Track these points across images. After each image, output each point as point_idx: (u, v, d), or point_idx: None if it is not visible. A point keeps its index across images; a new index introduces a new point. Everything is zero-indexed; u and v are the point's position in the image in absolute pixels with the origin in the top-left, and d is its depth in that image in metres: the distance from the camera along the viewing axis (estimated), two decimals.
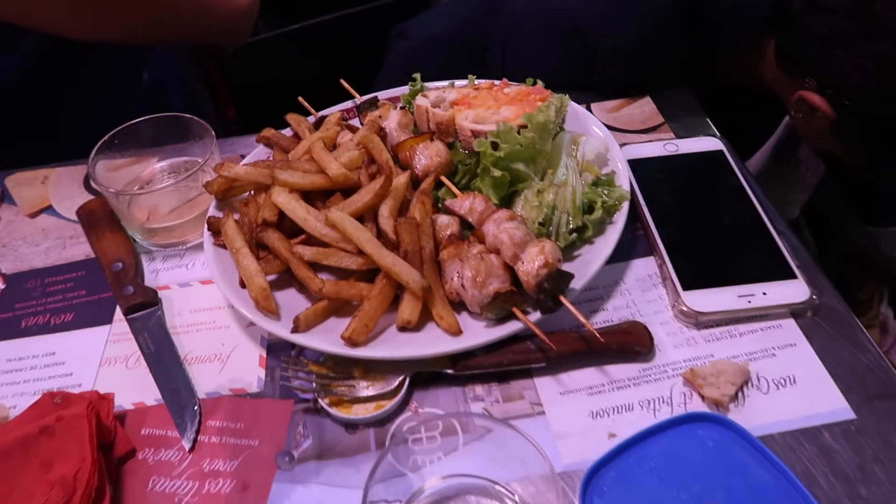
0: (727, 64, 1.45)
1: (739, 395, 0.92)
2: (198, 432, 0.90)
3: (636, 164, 1.19)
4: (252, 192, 1.13)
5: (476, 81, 1.26)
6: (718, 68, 1.47)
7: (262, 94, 1.56)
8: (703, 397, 0.91)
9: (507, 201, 1.08)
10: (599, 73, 1.39)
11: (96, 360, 1.03)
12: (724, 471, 0.82)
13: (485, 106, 1.17)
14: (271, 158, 1.21)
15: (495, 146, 1.05)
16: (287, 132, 1.28)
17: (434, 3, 2.20)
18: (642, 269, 1.08)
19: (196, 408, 0.93)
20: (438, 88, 1.24)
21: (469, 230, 1.06)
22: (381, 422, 0.90)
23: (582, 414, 0.91)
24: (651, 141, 1.25)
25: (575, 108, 1.21)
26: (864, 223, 1.73)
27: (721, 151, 1.21)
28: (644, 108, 1.37)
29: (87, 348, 1.04)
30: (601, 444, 0.87)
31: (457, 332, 0.94)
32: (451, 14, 1.78)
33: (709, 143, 1.23)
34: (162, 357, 1.01)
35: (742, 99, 1.58)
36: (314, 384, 0.91)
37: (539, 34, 1.47)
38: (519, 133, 1.05)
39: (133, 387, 0.97)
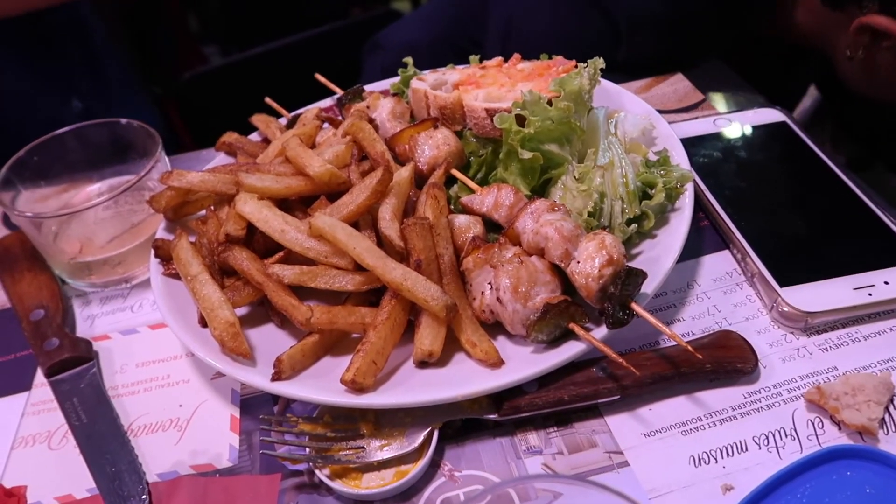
0: (759, 16, 1.24)
1: (886, 416, 0.68)
2: None
3: (685, 144, 0.96)
4: (212, 206, 0.89)
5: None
6: (751, 20, 1.25)
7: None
8: (839, 424, 0.68)
9: (538, 193, 0.86)
10: (628, 48, 1.19)
11: (7, 442, 0.79)
12: None
13: (497, 84, 0.95)
14: None
15: (521, 121, 0.82)
16: (254, 137, 1.04)
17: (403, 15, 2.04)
18: (717, 266, 0.86)
19: (144, 497, 0.69)
20: (437, 71, 1.02)
21: (496, 232, 0.82)
22: (405, 495, 0.69)
23: (680, 461, 0.67)
24: (697, 118, 1.04)
25: (604, 83, 1.00)
26: None
27: (785, 123, 1.00)
28: (677, 86, 1.16)
29: None
30: (714, 501, 0.64)
31: (496, 362, 0.71)
32: (433, 16, 1.60)
33: (768, 114, 1.02)
34: (97, 430, 0.76)
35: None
36: (308, 450, 0.67)
37: (548, 13, 1.27)
38: (549, 105, 0.82)
39: (57, 474, 0.76)
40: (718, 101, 1.13)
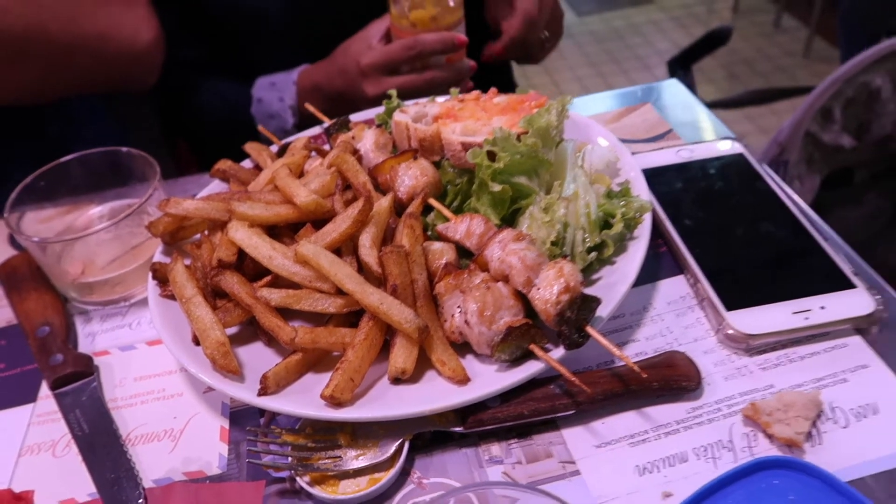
0: None
1: (814, 431, 0.75)
2: None
3: (649, 174, 1.04)
4: (206, 231, 0.95)
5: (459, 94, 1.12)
6: None
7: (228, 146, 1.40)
8: (771, 438, 0.75)
9: (508, 222, 0.93)
10: None
11: (15, 450, 0.84)
12: None
13: (473, 118, 1.02)
14: None
15: (492, 156, 0.90)
16: (246, 164, 1.11)
17: None
18: (672, 290, 0.93)
19: (141, 501, 0.75)
20: (418, 104, 1.09)
21: (468, 258, 0.89)
22: (378, 500, 0.75)
23: (626, 470, 0.74)
24: (662, 149, 1.11)
25: (574, 116, 1.07)
26: None
27: (741, 155, 1.07)
28: (647, 117, 1.24)
29: (3, 435, 0.86)
30: None
31: (463, 379, 0.77)
32: None
33: (727, 146, 1.09)
34: (98, 439, 0.82)
35: None
36: (290, 459, 0.73)
37: None
38: (519, 140, 0.90)
39: (61, 480, 0.81)
40: (683, 132, 1.20)
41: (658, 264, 0.97)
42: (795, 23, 4.93)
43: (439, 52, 1.27)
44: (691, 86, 2.70)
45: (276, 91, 1.44)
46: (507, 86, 1.75)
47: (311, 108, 1.18)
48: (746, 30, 5.00)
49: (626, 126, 1.23)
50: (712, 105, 2.66)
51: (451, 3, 1.28)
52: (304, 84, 1.42)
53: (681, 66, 2.72)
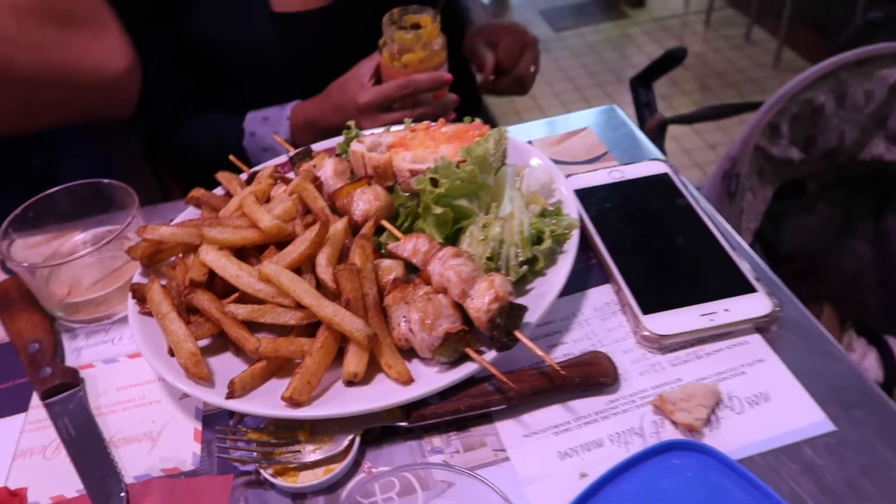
0: None
1: (712, 417, 0.86)
2: None
3: (583, 194, 1.16)
4: (180, 254, 1.06)
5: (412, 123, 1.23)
6: None
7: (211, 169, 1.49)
8: (675, 424, 0.86)
9: (452, 240, 1.04)
10: None
11: (9, 454, 0.93)
12: (707, 500, 0.77)
13: (423, 146, 1.13)
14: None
15: (434, 182, 1.01)
16: (218, 191, 1.22)
17: None
18: (599, 297, 1.04)
19: (123, 495, 0.85)
20: (374, 134, 1.20)
21: (415, 273, 1.00)
22: (332, 488, 0.84)
23: (549, 456, 0.84)
24: (596, 170, 1.23)
25: (515, 142, 1.19)
26: None
27: (667, 174, 1.19)
28: (586, 140, 1.35)
29: None
30: (573, 485, 0.81)
31: (407, 380, 0.88)
32: None
33: (654, 167, 1.21)
34: (84, 442, 0.91)
35: None
36: (255, 454, 0.83)
37: None
38: (458, 168, 1.01)
39: (51, 479, 0.88)
40: (618, 154, 1.32)
41: (588, 275, 1.08)
42: (765, 35, 5.07)
43: (429, 90, 1.40)
44: (651, 102, 2.84)
45: (269, 126, 1.54)
46: (477, 113, 1.88)
47: (277, 138, 1.29)
48: (718, 42, 5.16)
49: (566, 149, 1.34)
50: (671, 121, 2.80)
51: (436, 47, 1.42)
52: (297, 120, 1.52)
53: (641, 84, 2.86)
